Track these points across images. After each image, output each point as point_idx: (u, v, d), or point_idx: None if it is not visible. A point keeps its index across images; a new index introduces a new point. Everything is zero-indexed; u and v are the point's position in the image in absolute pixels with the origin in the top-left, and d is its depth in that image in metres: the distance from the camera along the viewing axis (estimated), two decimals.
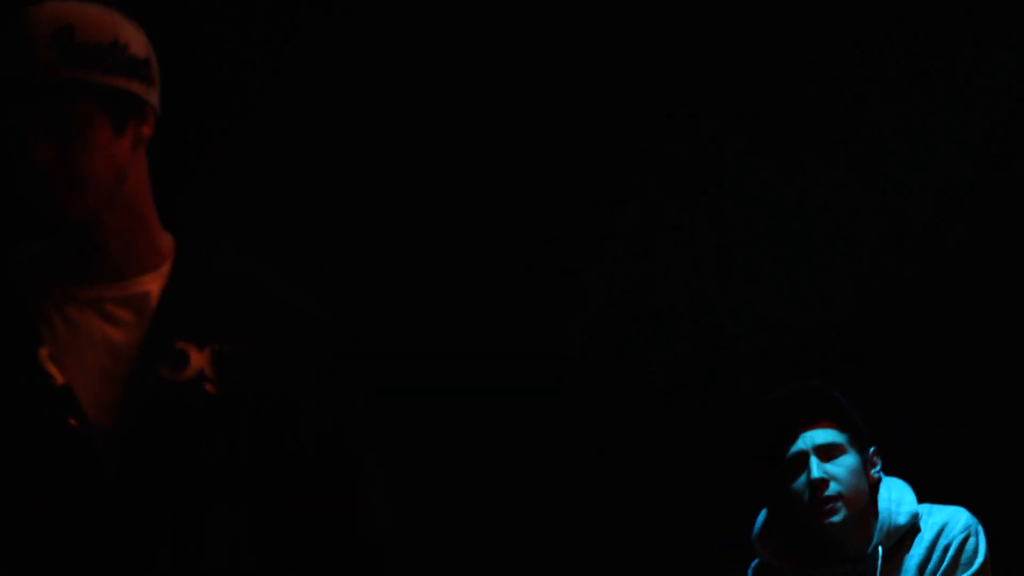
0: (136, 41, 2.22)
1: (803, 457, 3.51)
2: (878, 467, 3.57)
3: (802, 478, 3.49)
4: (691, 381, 4.36)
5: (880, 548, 3.49)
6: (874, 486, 3.55)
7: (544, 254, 4.30)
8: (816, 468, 3.47)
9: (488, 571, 4.22)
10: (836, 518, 3.45)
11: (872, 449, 3.56)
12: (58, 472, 2.12)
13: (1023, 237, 4.31)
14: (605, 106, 4.25)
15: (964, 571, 3.47)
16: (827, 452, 3.51)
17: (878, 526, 3.50)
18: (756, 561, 3.65)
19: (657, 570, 4.29)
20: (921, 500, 3.57)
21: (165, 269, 2.24)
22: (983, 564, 3.49)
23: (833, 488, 3.46)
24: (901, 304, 4.32)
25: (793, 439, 3.53)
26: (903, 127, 4.26)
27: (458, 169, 4.19)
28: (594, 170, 4.28)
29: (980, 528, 3.52)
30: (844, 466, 3.50)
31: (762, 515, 3.66)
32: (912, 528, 3.52)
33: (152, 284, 2.23)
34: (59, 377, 2.15)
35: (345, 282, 4.03)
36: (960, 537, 3.50)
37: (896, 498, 3.55)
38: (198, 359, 2.19)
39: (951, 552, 3.49)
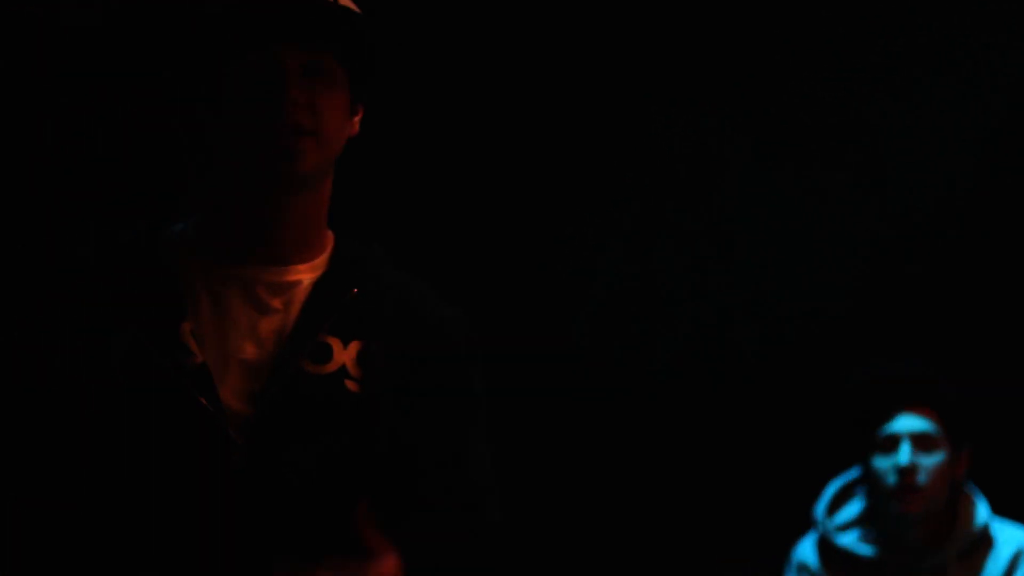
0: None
1: (896, 440, 3.50)
2: (967, 467, 3.56)
3: (891, 459, 3.49)
4: (692, 380, 4.35)
5: (953, 550, 3.49)
6: (957, 485, 3.54)
7: (544, 254, 4.29)
8: (908, 454, 3.47)
9: (487, 570, 4.21)
10: (914, 510, 3.46)
11: (965, 447, 3.56)
12: (183, 451, 2.07)
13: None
14: (609, 105, 4.25)
15: None
16: (922, 441, 3.50)
17: (957, 527, 3.50)
18: (815, 535, 3.63)
19: (659, 570, 4.29)
20: None
21: (321, 261, 2.20)
22: None
23: (920, 480, 3.46)
24: (902, 303, 4.33)
25: (890, 417, 3.52)
26: (905, 126, 4.27)
27: (459, 168, 4.18)
28: (596, 169, 4.28)
29: None
30: (934, 460, 3.49)
31: (830, 488, 3.66)
32: (984, 536, 3.53)
33: (306, 275, 2.18)
34: (199, 355, 2.10)
35: None
36: None
37: (972, 502, 3.55)
38: (341, 354, 2.15)
39: None
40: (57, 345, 2.11)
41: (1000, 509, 3.64)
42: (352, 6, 2.20)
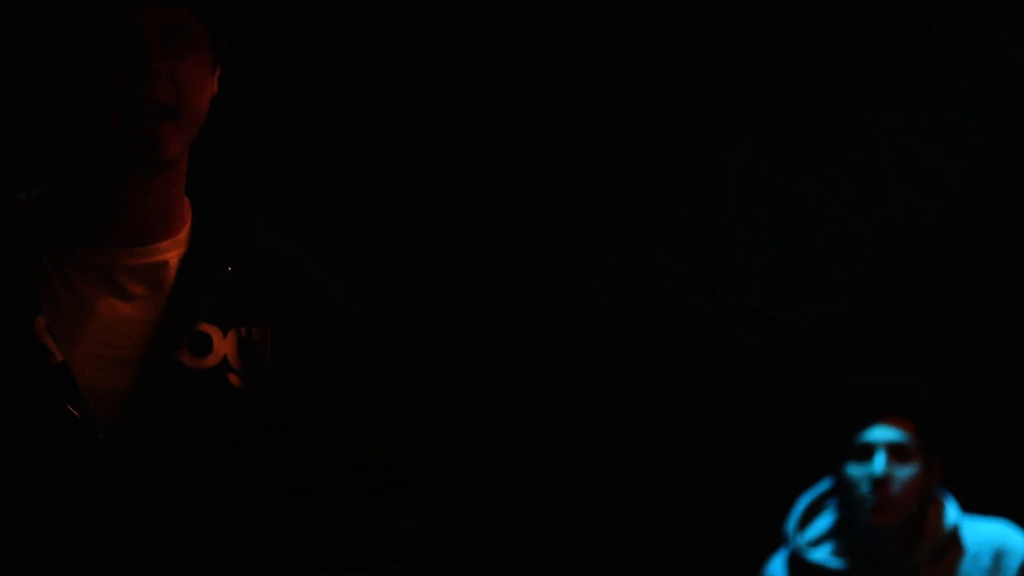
0: None
1: (871, 449, 3.50)
2: (940, 478, 3.56)
3: (865, 468, 3.49)
4: (690, 381, 4.35)
5: (924, 555, 3.50)
6: (928, 496, 3.54)
7: (544, 254, 4.29)
8: (883, 465, 3.47)
9: (484, 570, 4.22)
10: (886, 521, 3.46)
11: (938, 459, 3.55)
12: (52, 461, 1.84)
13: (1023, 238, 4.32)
14: (609, 105, 4.25)
15: None
16: (897, 452, 3.50)
17: (926, 532, 3.51)
18: (786, 552, 3.63)
19: (657, 570, 4.29)
20: None
21: (183, 235, 1.94)
22: None
23: (893, 491, 3.46)
24: (902, 305, 4.32)
25: (866, 426, 3.52)
26: (905, 128, 4.26)
27: (459, 171, 4.18)
28: (596, 169, 4.28)
29: None
30: (908, 472, 3.49)
31: (801, 504, 3.65)
32: (954, 537, 3.53)
33: (170, 253, 1.92)
34: (57, 353, 1.84)
35: (353, 283, 4.03)
36: None
37: (941, 505, 3.56)
38: (221, 345, 1.91)
39: None
40: None
41: (970, 508, 3.65)
42: None
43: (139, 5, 1.82)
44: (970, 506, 3.62)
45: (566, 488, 4.28)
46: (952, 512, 3.55)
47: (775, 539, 3.73)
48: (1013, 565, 3.51)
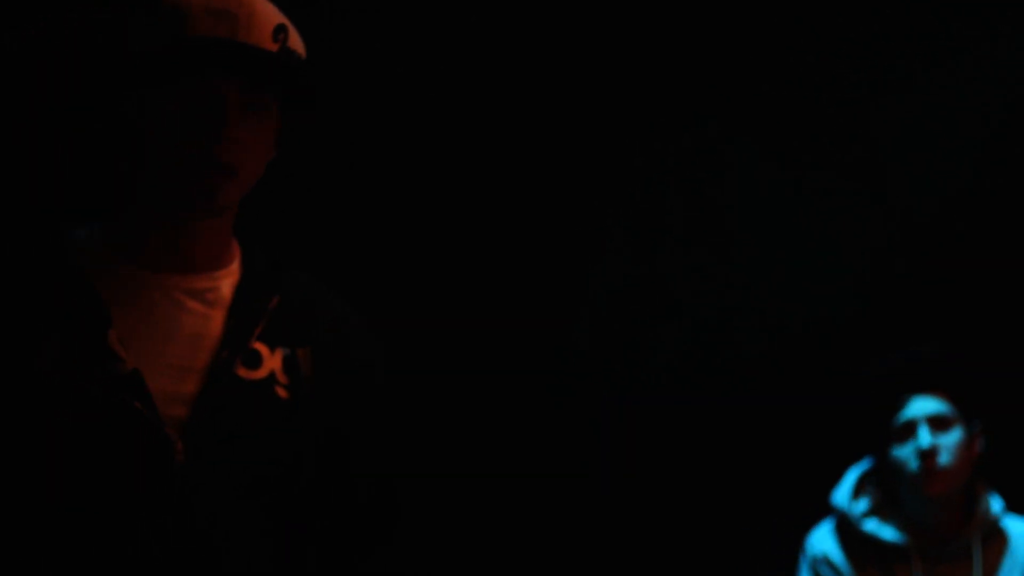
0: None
1: (913, 425, 3.54)
2: (982, 443, 3.61)
3: (911, 445, 3.53)
4: (692, 380, 4.36)
5: (977, 534, 3.53)
6: (975, 463, 3.58)
7: (546, 252, 4.30)
8: (926, 436, 3.52)
9: (483, 567, 4.23)
10: (938, 491, 3.51)
11: (977, 424, 3.60)
12: (124, 456, 2.10)
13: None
14: (611, 107, 4.26)
15: None
16: (938, 423, 3.54)
17: (977, 512, 3.55)
18: (832, 523, 3.66)
19: (658, 568, 4.30)
20: None
21: (234, 268, 2.28)
22: None
23: (941, 460, 3.50)
24: (903, 303, 4.33)
25: (904, 404, 3.56)
26: (906, 127, 4.28)
27: (461, 167, 4.19)
28: (598, 172, 4.29)
29: None
30: (952, 439, 3.54)
31: (850, 476, 3.68)
32: (999, 527, 3.57)
33: (223, 281, 2.25)
34: (128, 360, 2.13)
35: (348, 283, 4.04)
36: None
37: (987, 491, 3.60)
38: (271, 361, 2.23)
39: None
40: None
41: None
42: (299, 49, 2.22)
43: (228, 81, 2.12)
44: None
45: (574, 482, 4.29)
46: (996, 502, 3.61)
47: (772, 535, 3.75)
48: None
